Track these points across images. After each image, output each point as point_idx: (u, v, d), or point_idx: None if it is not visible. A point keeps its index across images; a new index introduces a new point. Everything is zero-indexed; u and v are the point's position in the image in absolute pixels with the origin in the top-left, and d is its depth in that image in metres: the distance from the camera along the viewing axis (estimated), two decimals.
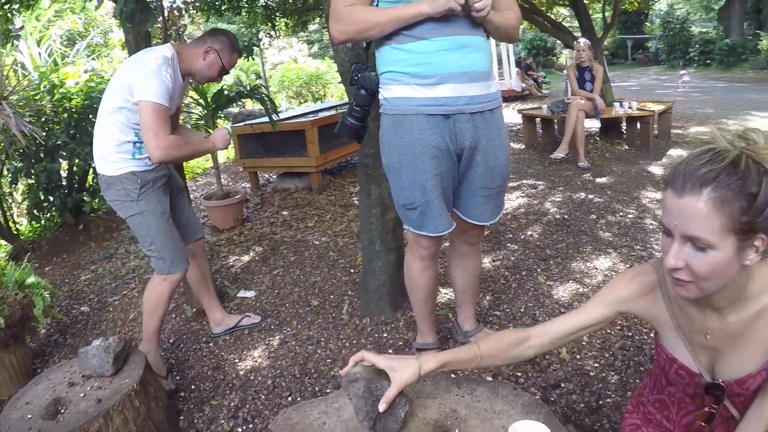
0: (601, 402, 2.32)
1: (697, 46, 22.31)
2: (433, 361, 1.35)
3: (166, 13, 3.18)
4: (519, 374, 2.53)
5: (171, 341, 3.16)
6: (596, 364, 2.57)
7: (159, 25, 3.87)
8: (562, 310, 3.05)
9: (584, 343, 2.73)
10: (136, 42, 3.04)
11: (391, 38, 2.09)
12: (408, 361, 1.34)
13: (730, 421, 1.42)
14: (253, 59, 6.42)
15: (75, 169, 4.94)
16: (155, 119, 2.46)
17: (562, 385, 2.44)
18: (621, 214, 4.55)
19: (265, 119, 6.21)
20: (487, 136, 2.20)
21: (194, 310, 3.42)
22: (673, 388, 1.48)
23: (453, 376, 1.59)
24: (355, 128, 2.32)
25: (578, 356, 2.64)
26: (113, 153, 2.58)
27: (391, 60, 2.12)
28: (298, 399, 2.52)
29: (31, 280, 2.99)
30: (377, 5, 2.08)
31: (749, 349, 1.31)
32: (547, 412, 1.36)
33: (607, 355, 2.63)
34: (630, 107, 6.86)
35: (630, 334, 2.79)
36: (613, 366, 2.55)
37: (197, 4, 5.66)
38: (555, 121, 7.24)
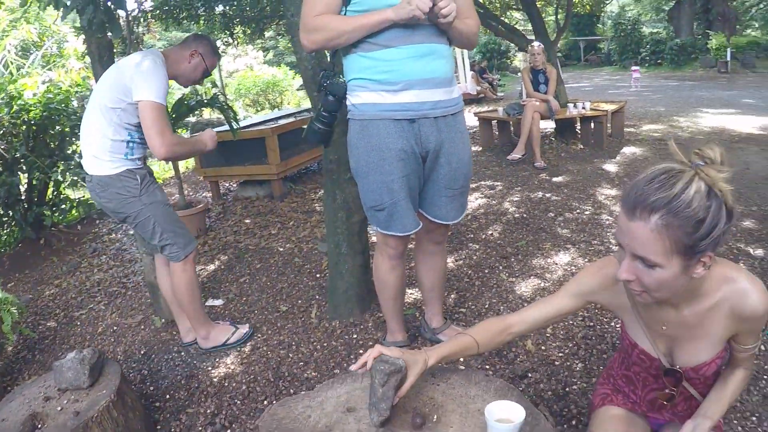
0: (567, 389, 2.43)
1: (648, 46, 22.88)
2: (435, 355, 1.46)
3: (129, 23, 3.19)
4: (487, 366, 2.62)
5: (142, 352, 3.15)
6: (561, 354, 2.68)
7: (124, 34, 3.86)
8: (525, 305, 3.13)
9: (548, 335, 2.84)
10: (99, 52, 3.06)
11: (357, 46, 2.16)
12: (416, 357, 1.44)
13: (690, 399, 1.53)
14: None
15: (35, 182, 4.87)
16: (157, 118, 2.54)
17: (530, 375, 2.53)
18: (578, 211, 4.70)
19: (225, 128, 6.21)
20: (450, 139, 2.29)
21: (163, 320, 3.42)
22: (637, 367, 1.58)
23: None
24: (323, 133, 2.39)
25: (543, 347, 2.74)
26: (107, 152, 2.63)
27: (358, 67, 2.19)
28: (274, 402, 2.56)
29: None
30: (345, 14, 2.15)
31: (703, 340, 1.42)
32: (518, 394, 1.45)
33: (570, 345, 2.74)
34: (584, 107, 7.05)
35: (592, 324, 2.91)
36: (577, 355, 2.66)
37: (156, 12, 5.63)
38: (511, 123, 7.39)
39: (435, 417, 1.41)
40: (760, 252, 3.61)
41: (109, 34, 2.90)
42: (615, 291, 1.50)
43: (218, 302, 3.66)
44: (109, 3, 2.62)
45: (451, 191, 2.40)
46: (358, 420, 1.42)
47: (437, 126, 2.24)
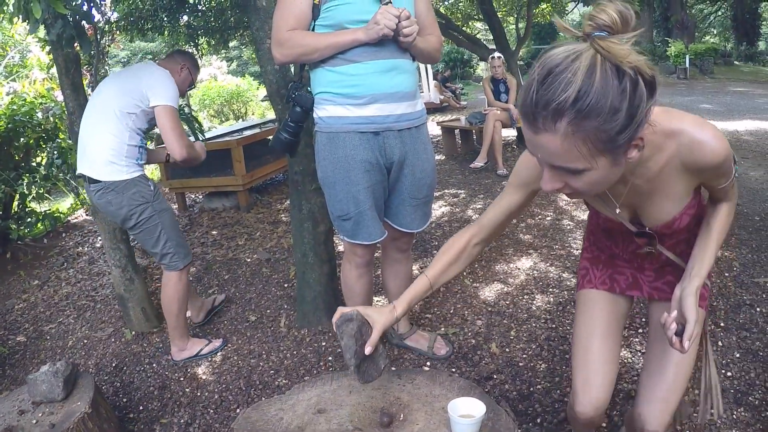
0: (531, 389, 2.53)
1: None
2: (401, 304, 1.50)
3: (96, 35, 3.23)
4: (453, 369, 2.71)
5: (114, 365, 3.17)
6: (524, 355, 2.78)
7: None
8: (489, 309, 3.26)
9: (512, 337, 2.95)
10: (66, 64, 3.09)
11: (325, 61, 2.25)
12: (383, 309, 1.49)
13: (672, 265, 1.55)
14: None
15: (0, 196, 4.84)
16: (176, 121, 2.73)
17: (494, 376, 2.63)
18: (540, 217, 4.83)
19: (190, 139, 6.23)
20: (414, 150, 2.38)
21: (133, 333, 3.44)
22: (608, 225, 1.57)
23: (393, 369, 1.74)
24: (289, 143, 2.48)
25: (507, 349, 2.85)
26: (124, 158, 2.72)
27: (325, 81, 2.28)
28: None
29: None
30: (314, 29, 2.24)
31: (665, 200, 1.36)
32: (480, 392, 1.54)
33: (534, 346, 2.85)
34: None
35: (554, 326, 3.02)
36: (540, 356, 2.77)
37: (121, 23, 5.64)
38: (473, 131, 7.54)
39: (401, 416, 1.49)
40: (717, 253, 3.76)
41: (78, 48, 2.93)
42: None
43: (188, 313, 3.68)
44: (77, 17, 2.65)
45: (415, 201, 2.50)
46: (329, 420, 1.50)
47: (401, 138, 2.34)
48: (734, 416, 2.27)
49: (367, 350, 1.42)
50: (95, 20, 3.16)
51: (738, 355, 2.65)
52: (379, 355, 1.49)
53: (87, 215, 6.22)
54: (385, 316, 1.48)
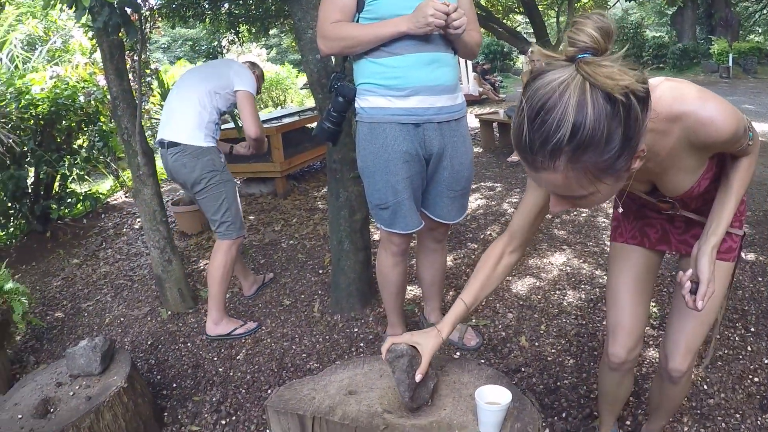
0: (558, 383, 2.54)
1: (650, 50, 22.89)
2: (446, 327, 1.55)
3: (141, 22, 3.31)
4: (482, 360, 2.72)
5: (149, 343, 3.26)
6: (553, 350, 2.79)
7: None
8: (521, 303, 3.26)
9: (542, 332, 2.95)
10: (111, 51, 3.16)
11: (368, 52, 2.28)
12: (429, 334, 1.53)
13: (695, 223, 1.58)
14: None
15: (42, 176, 4.97)
16: (254, 105, 3.20)
17: (523, 369, 2.64)
18: (575, 213, 4.79)
19: (230, 126, 6.30)
20: (453, 143, 2.40)
21: (169, 313, 3.53)
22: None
23: None
24: (332, 132, 2.51)
25: (536, 343, 2.85)
26: (204, 128, 3.10)
27: (367, 72, 2.31)
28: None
29: (9, 285, 3.05)
30: (358, 21, 2.26)
31: (679, 174, 1.37)
32: (508, 382, 1.56)
33: (563, 342, 2.85)
34: None
35: (584, 322, 3.02)
36: (569, 351, 2.77)
37: (163, 10, 5.73)
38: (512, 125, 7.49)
39: (430, 401, 1.52)
40: (751, 256, 3.71)
41: (124, 34, 3.01)
42: None
43: (233, 290, 3.77)
44: (123, 5, 2.71)
45: (453, 192, 2.52)
46: (359, 402, 1.53)
47: (441, 130, 2.36)
48: (759, 422, 2.24)
49: (418, 378, 1.47)
50: (141, 9, 3.23)
51: (767, 361, 2.61)
52: (429, 377, 1.53)
53: (126, 197, 6.36)
54: (432, 341, 1.53)
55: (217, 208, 3.12)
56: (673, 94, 1.22)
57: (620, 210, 1.58)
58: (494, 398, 1.42)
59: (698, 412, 2.32)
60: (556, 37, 8.73)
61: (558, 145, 0.97)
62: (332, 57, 2.86)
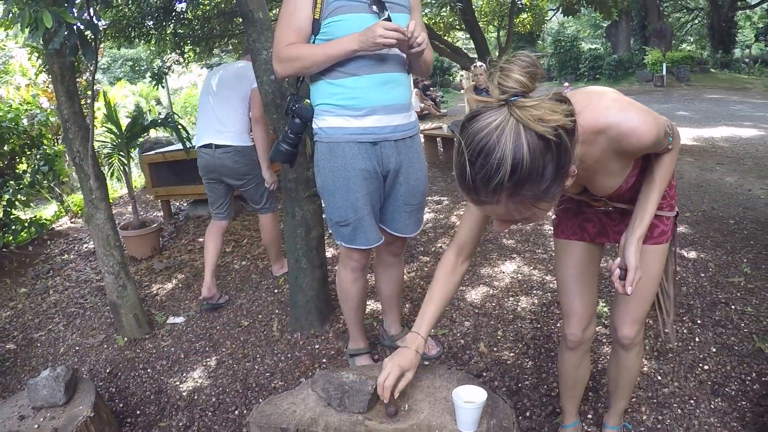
0: (520, 385, 2.64)
1: (586, 61, 23.62)
2: (421, 342, 1.69)
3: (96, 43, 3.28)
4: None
5: (108, 371, 3.22)
6: (512, 354, 2.89)
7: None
8: (476, 311, 3.36)
9: (500, 337, 3.05)
10: (62, 72, 3.13)
11: (325, 74, 2.34)
12: (409, 358, 1.64)
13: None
14: (162, 86, 6.47)
15: None
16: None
17: (484, 374, 2.74)
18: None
19: (175, 147, 6.26)
20: (408, 159, 2.49)
21: (125, 339, 3.49)
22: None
23: None
24: (290, 153, 2.56)
25: (495, 348, 2.95)
26: (246, 130, 3.81)
27: (325, 93, 2.37)
28: (245, 412, 2.68)
29: None
30: (314, 43, 2.32)
31: (607, 178, 1.51)
32: (479, 382, 1.64)
33: (520, 345, 2.96)
34: None
35: (539, 325, 3.14)
36: (527, 354, 2.88)
37: (108, 31, 5.67)
38: (455, 139, 7.65)
39: (406, 406, 1.59)
40: (693, 254, 3.93)
41: (82, 56, 2.98)
42: None
43: (179, 320, 3.74)
44: (80, 26, 2.70)
45: (409, 207, 2.61)
46: (340, 412, 1.59)
47: (397, 148, 2.45)
48: (712, 406, 2.41)
49: (387, 397, 1.58)
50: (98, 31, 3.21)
51: (714, 350, 2.80)
52: (363, 383, 1.64)
53: (72, 223, 6.23)
54: (414, 364, 1.65)
55: (260, 195, 4.00)
56: (598, 107, 1.33)
57: (552, 214, 1.70)
58: (470, 398, 1.50)
59: (654, 401, 2.46)
60: (497, 51, 8.96)
61: (499, 184, 1.07)
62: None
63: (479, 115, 1.12)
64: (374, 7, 2.27)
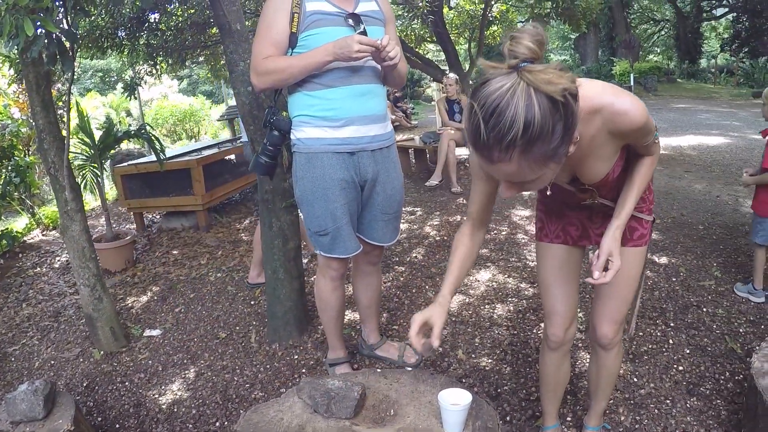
0: (499, 390, 2.70)
1: None
2: (448, 296, 1.66)
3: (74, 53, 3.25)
4: None
5: (85, 385, 3.19)
6: (490, 360, 2.94)
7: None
8: (454, 319, 3.41)
9: (477, 344, 3.10)
10: (37, 81, 3.10)
11: (302, 86, 2.38)
12: (432, 309, 1.62)
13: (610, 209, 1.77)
14: (135, 98, 6.43)
15: None
16: None
17: (463, 380, 2.78)
18: (495, 231, 5.02)
19: (147, 159, 6.22)
20: (385, 169, 2.53)
21: (102, 352, 3.46)
22: (553, 188, 1.77)
23: (379, 370, 1.86)
24: (269, 165, 2.58)
25: (473, 355, 3.00)
26: None
27: (303, 105, 2.41)
28: (226, 423, 2.68)
29: None
30: (291, 55, 2.35)
31: (597, 162, 1.57)
32: (461, 386, 1.67)
33: (498, 352, 3.01)
34: None
35: (516, 332, 3.19)
36: (505, 360, 2.93)
37: (81, 41, 5.62)
38: (427, 150, 7.72)
39: (392, 411, 1.62)
40: (664, 260, 4.03)
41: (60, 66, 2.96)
42: None
43: (156, 332, 3.72)
44: (60, 35, 2.69)
45: (386, 216, 2.65)
46: (327, 418, 1.61)
47: (374, 158, 2.49)
48: (688, 405, 2.49)
49: (436, 344, 1.56)
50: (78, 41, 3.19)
51: (688, 351, 2.89)
52: (349, 388, 1.66)
53: (43, 235, 6.15)
54: (441, 310, 1.62)
55: None
56: (593, 90, 1.42)
57: (548, 192, 1.67)
58: (455, 400, 1.54)
59: (632, 402, 2.54)
60: (467, 63, 9.06)
61: (512, 141, 1.12)
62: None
63: (490, 80, 1.16)
64: (350, 21, 2.33)
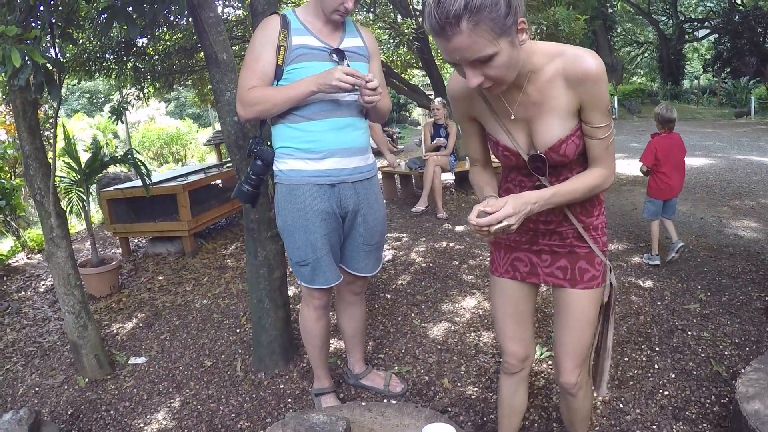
0: (485, 418, 2.71)
1: None
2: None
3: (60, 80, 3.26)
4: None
5: (69, 413, 3.16)
6: (476, 389, 2.95)
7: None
8: (439, 347, 3.42)
9: (463, 372, 3.11)
10: (24, 108, 3.12)
11: (285, 118, 2.42)
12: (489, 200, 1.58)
13: (559, 246, 1.80)
14: (122, 121, 6.44)
15: None
16: None
17: (449, 409, 2.79)
18: (481, 257, 5.05)
19: (134, 183, 6.22)
20: (367, 200, 2.57)
21: (87, 380, 3.44)
22: (511, 174, 1.83)
23: (364, 404, 1.88)
24: (252, 194, 2.62)
25: (459, 384, 3.01)
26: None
27: (285, 137, 2.45)
28: None
29: None
30: (277, 85, 2.39)
31: (553, 114, 1.58)
32: (446, 419, 1.69)
33: (484, 380, 3.03)
34: None
35: (501, 360, 3.19)
36: (491, 388, 2.95)
37: (68, 64, 5.64)
38: (413, 176, 7.77)
39: None
40: (649, 284, 4.08)
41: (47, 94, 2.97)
42: (472, 100, 1.69)
43: (141, 360, 3.70)
44: (48, 64, 2.71)
45: (368, 247, 2.68)
46: None
47: (355, 189, 2.53)
48: (674, 430, 2.52)
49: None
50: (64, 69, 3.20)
51: (673, 376, 2.93)
52: (334, 423, 1.68)
53: (29, 258, 6.11)
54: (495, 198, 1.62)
55: None
56: (558, 44, 1.55)
57: (512, 117, 1.67)
58: None
59: (617, 428, 2.56)
60: None
61: (458, 11, 1.27)
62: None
63: None
64: (335, 56, 2.38)
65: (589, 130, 1.59)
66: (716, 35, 24.45)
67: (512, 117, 1.61)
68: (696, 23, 25.66)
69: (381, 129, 3.83)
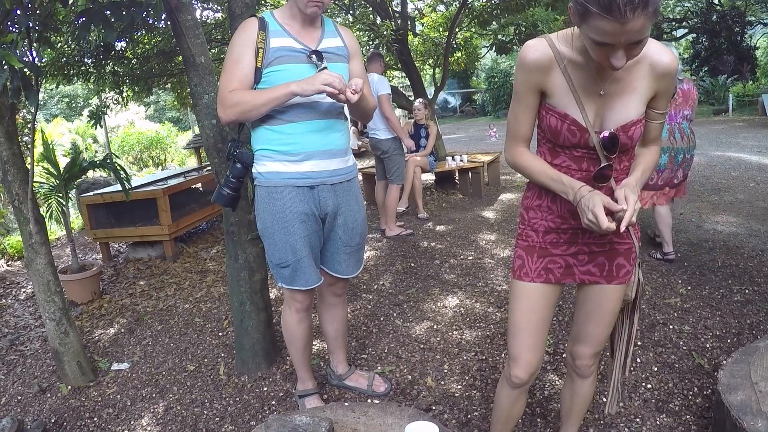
0: (469, 416, 2.73)
1: None
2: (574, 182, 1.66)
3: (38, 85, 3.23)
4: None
5: (53, 421, 3.13)
6: (459, 386, 2.98)
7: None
8: (422, 346, 3.44)
9: (446, 370, 3.14)
10: (1, 112, 3.07)
11: (265, 120, 2.42)
12: (593, 194, 1.58)
13: (598, 245, 1.81)
14: (101, 126, 6.41)
15: None
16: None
17: (433, 407, 2.80)
18: (462, 257, 5.08)
19: (113, 188, 6.18)
20: (346, 202, 2.58)
21: (69, 387, 3.42)
22: (559, 158, 1.76)
23: (347, 404, 1.89)
24: (232, 197, 2.62)
25: (442, 382, 3.03)
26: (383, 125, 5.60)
27: (264, 139, 2.45)
28: None
29: None
30: (256, 89, 2.39)
31: (632, 94, 1.63)
32: (430, 417, 1.70)
33: (467, 377, 3.05)
34: (461, 160, 7.57)
35: (484, 357, 3.24)
36: (474, 385, 2.97)
37: (47, 69, 5.61)
38: None
39: None
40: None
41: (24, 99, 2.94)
42: (550, 73, 1.64)
43: (124, 366, 3.68)
44: (25, 69, 2.69)
45: (348, 248, 2.69)
46: None
47: (334, 191, 2.54)
48: (658, 422, 2.56)
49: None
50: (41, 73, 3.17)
51: (656, 369, 2.98)
52: (317, 425, 1.68)
53: (8, 266, 6.05)
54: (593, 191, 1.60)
55: (396, 167, 6.00)
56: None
57: (602, 93, 1.67)
58: None
59: (602, 422, 2.59)
60: (432, 89, 9.20)
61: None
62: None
63: None
64: (314, 57, 2.38)
65: (653, 115, 1.71)
66: (694, 35, 24.68)
67: (602, 92, 1.63)
68: (674, 23, 25.86)
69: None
